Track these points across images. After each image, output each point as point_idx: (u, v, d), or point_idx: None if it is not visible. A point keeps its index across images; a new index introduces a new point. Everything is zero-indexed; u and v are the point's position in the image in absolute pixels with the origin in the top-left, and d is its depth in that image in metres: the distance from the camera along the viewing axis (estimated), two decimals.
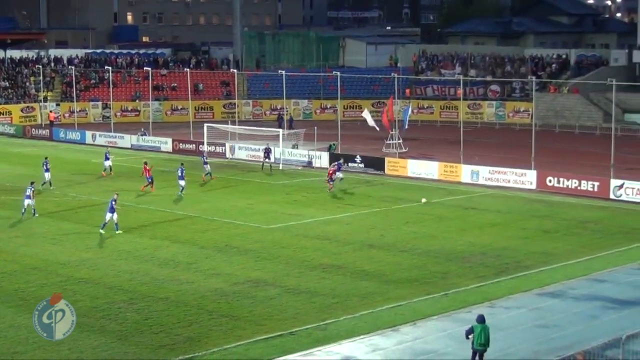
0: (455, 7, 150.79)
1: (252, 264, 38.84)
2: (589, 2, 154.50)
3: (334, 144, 70.76)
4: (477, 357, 25.97)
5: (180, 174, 55.69)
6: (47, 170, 57.68)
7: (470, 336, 26.02)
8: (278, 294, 34.31)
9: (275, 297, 33.90)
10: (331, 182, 57.31)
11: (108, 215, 44.47)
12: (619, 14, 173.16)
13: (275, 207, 52.50)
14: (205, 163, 61.72)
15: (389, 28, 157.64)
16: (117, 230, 44.49)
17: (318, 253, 40.74)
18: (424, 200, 53.01)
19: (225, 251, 41.31)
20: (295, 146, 71.08)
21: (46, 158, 59.69)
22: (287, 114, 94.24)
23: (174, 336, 29.00)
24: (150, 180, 56.38)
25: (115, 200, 44.86)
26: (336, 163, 59.97)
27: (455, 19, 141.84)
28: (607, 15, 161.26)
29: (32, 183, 49.61)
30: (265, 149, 67.58)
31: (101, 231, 44.26)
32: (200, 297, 33.92)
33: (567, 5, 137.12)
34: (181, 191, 55.36)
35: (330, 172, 58.10)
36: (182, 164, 58.05)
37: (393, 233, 45.16)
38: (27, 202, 48.52)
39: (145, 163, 58.78)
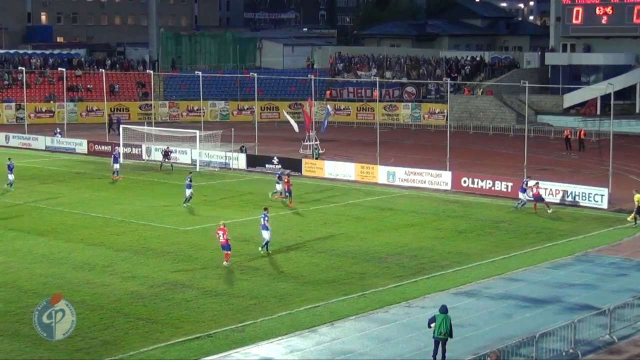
0: (370, 10, 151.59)
1: (169, 266, 38.61)
2: (502, 5, 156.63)
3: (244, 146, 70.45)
4: (439, 346, 26.70)
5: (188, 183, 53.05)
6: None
7: (432, 325, 26.84)
8: (195, 296, 34.17)
9: (193, 299, 33.76)
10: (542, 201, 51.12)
11: (265, 234, 40.91)
12: (531, 17, 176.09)
13: (192, 208, 52.24)
14: (116, 161, 61.85)
15: (306, 29, 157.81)
16: (268, 249, 40.89)
17: (236, 254, 40.64)
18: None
19: (141, 253, 40.98)
20: (243, 149, 69.79)
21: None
22: (115, 116, 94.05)
23: (89, 340, 28.66)
24: (288, 193, 53.15)
25: (266, 217, 41.02)
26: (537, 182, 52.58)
27: (371, 21, 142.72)
28: (519, 18, 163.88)
29: (190, 173, 55.42)
30: (165, 150, 67.88)
31: (260, 250, 40.92)
32: (116, 300, 33.61)
33: (480, 8, 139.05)
34: (186, 201, 52.79)
35: (535, 190, 51.40)
36: (190, 172, 57.21)
37: (311, 234, 45.28)
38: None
39: (288, 175, 55.16)
